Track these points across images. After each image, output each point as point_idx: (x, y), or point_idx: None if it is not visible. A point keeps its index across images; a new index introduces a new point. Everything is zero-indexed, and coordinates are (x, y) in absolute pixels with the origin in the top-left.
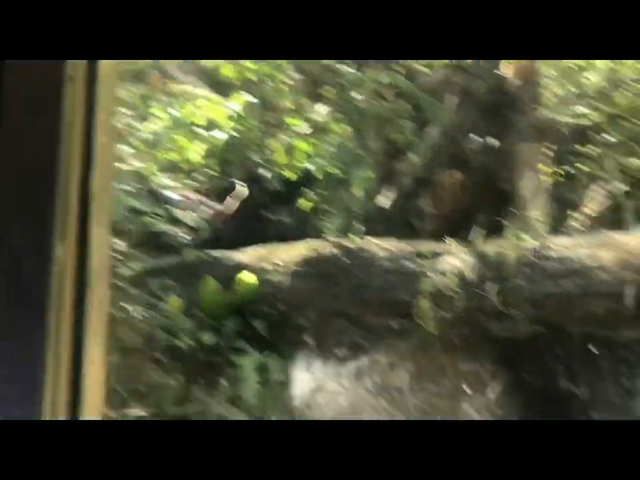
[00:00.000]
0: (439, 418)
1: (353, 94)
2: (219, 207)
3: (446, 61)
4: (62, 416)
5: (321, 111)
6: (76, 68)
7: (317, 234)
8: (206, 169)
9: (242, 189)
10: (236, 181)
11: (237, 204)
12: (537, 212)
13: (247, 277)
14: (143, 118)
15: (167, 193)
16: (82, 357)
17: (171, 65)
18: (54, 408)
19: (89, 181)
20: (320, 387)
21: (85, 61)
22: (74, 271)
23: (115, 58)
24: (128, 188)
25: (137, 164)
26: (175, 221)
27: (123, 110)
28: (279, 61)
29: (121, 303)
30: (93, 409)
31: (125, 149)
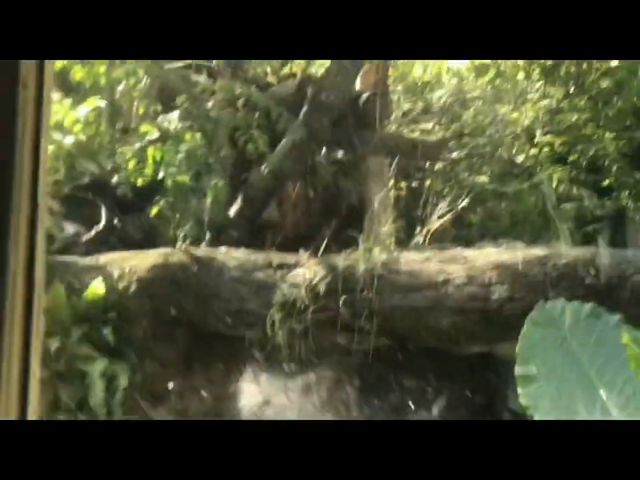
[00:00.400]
0: (439, 418)
1: (206, 103)
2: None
3: (299, 73)
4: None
5: (172, 118)
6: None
7: (168, 242)
8: (53, 173)
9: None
10: (94, 198)
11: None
12: (385, 225)
13: (96, 284)
14: None
15: None
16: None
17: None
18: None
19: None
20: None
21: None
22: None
23: (114, 58)
24: None
25: None
26: None
27: None
28: (131, 68)
29: None
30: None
31: None
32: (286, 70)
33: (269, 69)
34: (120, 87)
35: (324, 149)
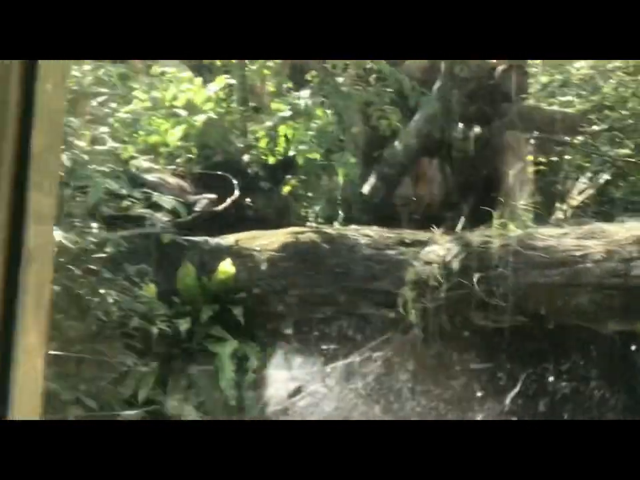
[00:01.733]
0: (439, 418)
1: (337, 79)
2: (204, 197)
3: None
4: None
5: (303, 95)
6: None
7: (299, 220)
8: (185, 152)
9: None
10: (225, 174)
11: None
12: (522, 201)
13: (226, 264)
14: (122, 99)
15: (146, 175)
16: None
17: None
18: None
19: (28, 139)
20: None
21: None
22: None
23: (113, 58)
24: (103, 169)
25: (113, 145)
26: (153, 205)
27: (100, 89)
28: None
29: (97, 288)
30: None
31: (101, 129)
32: None
33: None
34: (251, 65)
35: (459, 124)
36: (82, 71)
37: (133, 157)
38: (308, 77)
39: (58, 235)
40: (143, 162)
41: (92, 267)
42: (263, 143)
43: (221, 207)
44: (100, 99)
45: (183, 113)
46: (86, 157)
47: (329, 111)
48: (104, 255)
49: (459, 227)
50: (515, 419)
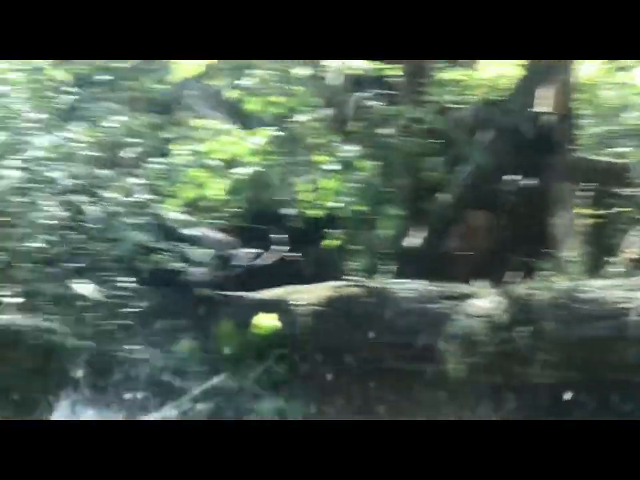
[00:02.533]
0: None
1: (382, 130)
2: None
3: (480, 98)
4: None
5: (347, 147)
6: None
7: (343, 274)
8: (228, 206)
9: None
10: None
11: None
12: (570, 253)
13: (266, 319)
14: (156, 150)
15: (186, 229)
16: None
17: (195, 98)
18: None
19: None
20: None
21: None
22: None
23: (113, 58)
24: (135, 221)
25: (145, 196)
26: (190, 259)
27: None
28: (306, 97)
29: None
30: None
31: (132, 180)
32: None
33: (447, 96)
34: (294, 117)
35: (506, 175)
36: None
37: (170, 210)
38: (352, 128)
39: (88, 288)
40: (179, 215)
41: (124, 321)
42: (307, 196)
43: (261, 262)
44: (133, 149)
45: (226, 166)
46: (117, 209)
47: (372, 163)
48: (136, 310)
49: (502, 279)
50: None
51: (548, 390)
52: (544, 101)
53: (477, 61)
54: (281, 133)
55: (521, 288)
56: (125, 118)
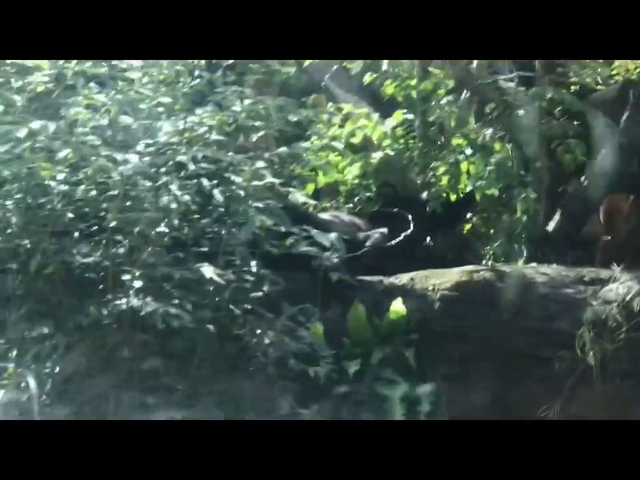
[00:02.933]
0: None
1: (518, 112)
2: (376, 231)
3: (616, 77)
4: None
5: (482, 129)
6: None
7: (478, 259)
8: (362, 190)
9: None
10: (401, 211)
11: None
12: None
13: (398, 304)
14: (280, 133)
15: (319, 213)
16: None
17: (331, 82)
18: None
19: None
20: None
21: None
22: None
23: (112, 58)
24: (259, 205)
25: (276, 180)
26: (322, 244)
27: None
28: (440, 78)
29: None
30: None
31: (262, 164)
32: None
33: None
34: (431, 100)
35: None
36: (246, 104)
37: (303, 194)
38: (487, 109)
39: (209, 270)
40: (311, 199)
41: (251, 306)
42: (443, 180)
43: (393, 242)
44: (264, 132)
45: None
46: (242, 193)
47: (509, 145)
48: (262, 294)
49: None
50: None
51: None
52: None
53: None
54: (418, 117)
55: None
56: (256, 101)
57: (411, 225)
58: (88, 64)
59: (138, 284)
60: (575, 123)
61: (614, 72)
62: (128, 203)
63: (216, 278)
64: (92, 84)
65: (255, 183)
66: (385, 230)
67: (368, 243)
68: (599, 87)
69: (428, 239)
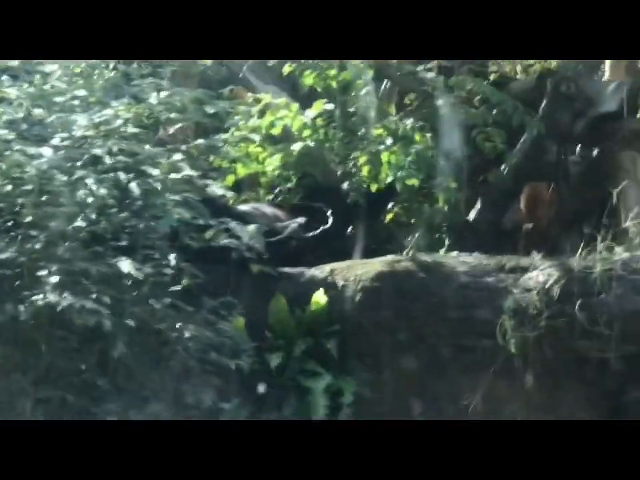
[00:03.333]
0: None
1: (438, 102)
2: (293, 221)
3: (535, 66)
4: None
5: (402, 119)
6: None
7: (400, 249)
8: (282, 182)
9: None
10: (320, 205)
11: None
12: (634, 223)
13: (319, 295)
14: (197, 125)
15: (239, 205)
16: None
17: (252, 74)
18: None
19: None
20: None
21: None
22: None
23: (112, 58)
24: (177, 198)
25: (193, 172)
26: (241, 236)
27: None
28: (360, 68)
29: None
30: None
31: (179, 156)
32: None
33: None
34: (350, 90)
35: (567, 145)
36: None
37: (222, 186)
38: (407, 100)
39: (127, 265)
40: (230, 191)
41: (171, 300)
42: (364, 171)
43: (310, 234)
44: (181, 125)
45: (280, 140)
46: (160, 186)
47: (428, 135)
48: (182, 287)
49: (559, 251)
50: None
51: (604, 363)
52: (611, 68)
53: None
54: (338, 107)
55: (577, 260)
56: (171, 93)
57: (329, 220)
58: None
59: (55, 279)
60: (494, 111)
61: (532, 61)
62: (44, 198)
63: (134, 272)
64: (4, 77)
65: (173, 175)
66: (302, 220)
67: (285, 232)
68: (517, 76)
69: (349, 229)
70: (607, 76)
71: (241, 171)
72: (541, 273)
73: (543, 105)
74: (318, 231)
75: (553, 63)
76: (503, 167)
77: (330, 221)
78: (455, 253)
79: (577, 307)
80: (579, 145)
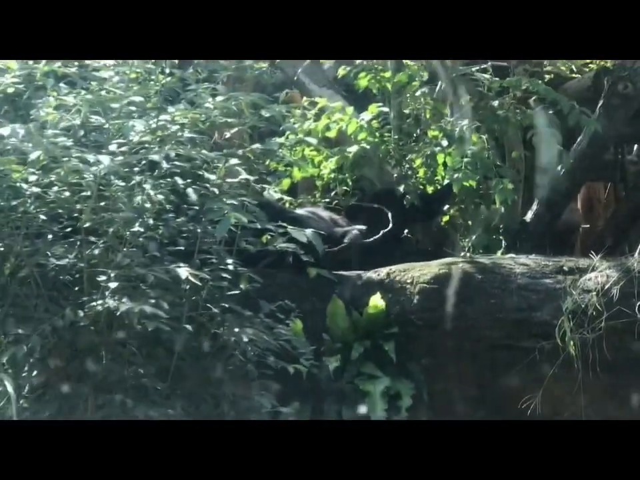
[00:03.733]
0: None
1: (493, 102)
2: (354, 228)
3: (591, 65)
4: None
5: (458, 120)
6: None
7: (456, 251)
8: (339, 184)
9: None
10: (379, 206)
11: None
12: None
13: (377, 298)
14: (253, 129)
15: (296, 209)
16: None
17: (307, 78)
18: None
19: None
20: None
21: None
22: None
23: (111, 58)
24: (233, 202)
25: (250, 177)
26: (298, 240)
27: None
28: (415, 70)
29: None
30: None
31: (236, 160)
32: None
33: (563, 67)
34: (406, 92)
35: (623, 144)
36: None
37: (278, 190)
38: (462, 101)
39: (185, 272)
40: (286, 195)
41: (229, 304)
42: (420, 173)
43: (371, 239)
44: (238, 129)
45: (336, 143)
46: (216, 190)
47: (484, 136)
48: (240, 292)
49: (621, 253)
50: None
51: None
52: None
53: None
54: (393, 109)
55: (635, 261)
56: (227, 97)
57: (390, 221)
58: (57, 64)
59: (113, 285)
60: (550, 112)
61: (588, 60)
62: (102, 204)
63: (191, 278)
64: (62, 84)
65: (229, 180)
66: (363, 227)
67: (345, 240)
68: (573, 75)
69: (406, 232)
70: None
71: (297, 174)
72: (599, 274)
73: (599, 104)
74: (379, 234)
75: (609, 62)
76: (559, 167)
77: (390, 221)
78: (512, 255)
79: (636, 308)
80: (637, 145)
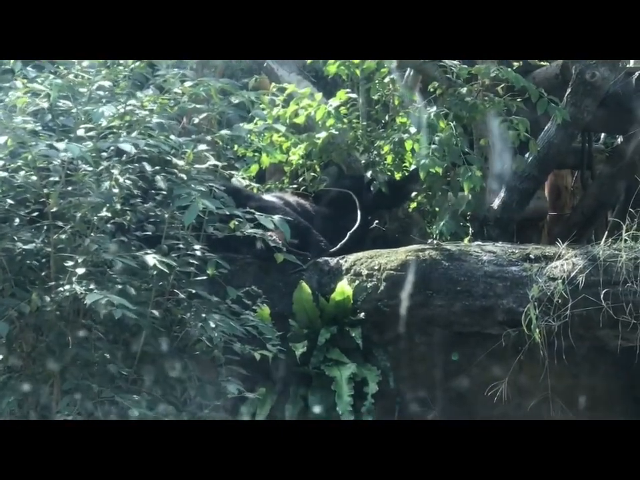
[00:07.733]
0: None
1: (461, 89)
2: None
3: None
4: None
5: (426, 107)
6: None
7: (424, 238)
8: (307, 170)
9: None
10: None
11: None
12: None
13: (343, 284)
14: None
15: (264, 195)
16: None
17: (276, 64)
18: None
19: None
20: None
21: None
22: None
23: (111, 58)
24: (201, 189)
25: (218, 163)
26: (263, 225)
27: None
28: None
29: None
30: None
31: (204, 147)
32: None
33: None
34: (373, 79)
35: (593, 133)
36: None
37: (246, 176)
38: (431, 88)
39: (152, 259)
40: (244, 179)
41: (196, 290)
42: (388, 159)
43: (337, 247)
44: (206, 115)
45: (304, 129)
46: (185, 176)
47: (452, 123)
48: (207, 277)
49: (585, 240)
50: None
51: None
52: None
53: None
54: (361, 96)
55: (602, 249)
56: (196, 83)
57: (358, 218)
58: None
59: (81, 270)
60: (519, 99)
61: None
62: (69, 188)
63: (159, 265)
64: (29, 68)
65: (198, 165)
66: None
67: (315, 227)
68: (542, 64)
69: (372, 218)
70: (632, 63)
71: (265, 160)
72: (566, 262)
73: (567, 92)
74: (346, 237)
75: None
76: (527, 155)
77: (358, 221)
78: (479, 242)
79: (601, 296)
80: (603, 133)
